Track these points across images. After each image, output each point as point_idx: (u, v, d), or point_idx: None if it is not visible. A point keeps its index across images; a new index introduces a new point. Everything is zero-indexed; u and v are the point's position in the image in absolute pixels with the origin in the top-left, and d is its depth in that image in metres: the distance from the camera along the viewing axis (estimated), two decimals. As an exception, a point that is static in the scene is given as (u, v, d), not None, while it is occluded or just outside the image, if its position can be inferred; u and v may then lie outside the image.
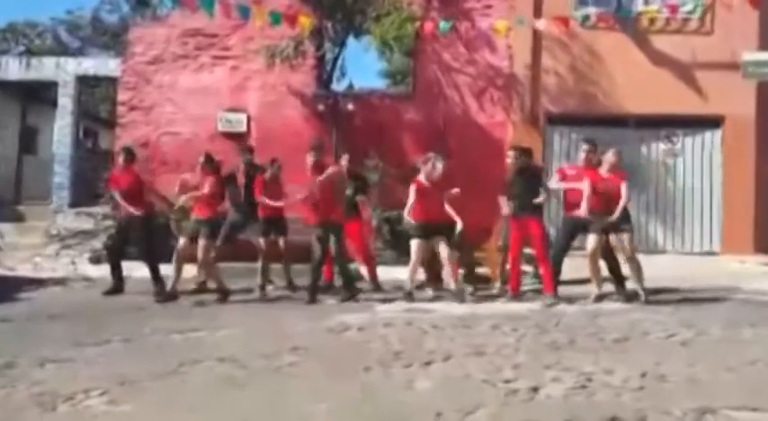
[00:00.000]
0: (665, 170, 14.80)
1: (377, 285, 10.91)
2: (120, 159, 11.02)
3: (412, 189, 10.10)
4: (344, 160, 11.33)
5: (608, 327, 7.93)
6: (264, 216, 10.83)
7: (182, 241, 10.36)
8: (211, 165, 10.48)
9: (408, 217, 10.08)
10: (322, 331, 7.92)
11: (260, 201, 10.68)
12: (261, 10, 13.11)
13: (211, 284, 10.51)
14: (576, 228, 10.21)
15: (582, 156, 10.44)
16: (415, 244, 10.02)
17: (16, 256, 13.69)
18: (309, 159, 10.44)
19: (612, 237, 9.76)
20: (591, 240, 9.75)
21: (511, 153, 10.34)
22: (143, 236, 10.66)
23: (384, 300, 9.95)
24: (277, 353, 6.71)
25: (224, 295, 10.10)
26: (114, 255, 10.93)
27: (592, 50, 14.61)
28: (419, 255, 10.04)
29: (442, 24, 13.85)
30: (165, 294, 10.13)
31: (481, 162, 13.14)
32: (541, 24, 13.89)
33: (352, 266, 11.17)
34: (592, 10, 14.47)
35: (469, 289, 10.58)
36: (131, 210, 10.49)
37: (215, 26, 15.16)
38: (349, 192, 10.90)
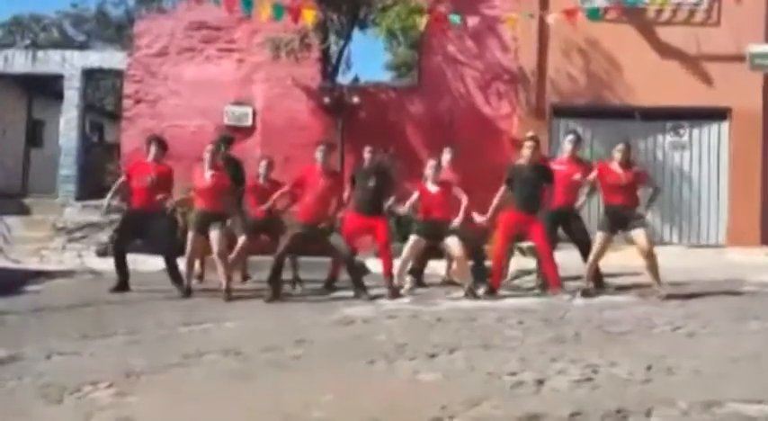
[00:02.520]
0: (672, 162, 14.77)
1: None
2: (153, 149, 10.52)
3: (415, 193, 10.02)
4: (367, 152, 10.89)
5: (613, 320, 7.93)
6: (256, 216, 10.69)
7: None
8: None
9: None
10: (327, 324, 7.92)
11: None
12: (265, 3, 13.09)
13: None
14: (558, 221, 10.15)
15: (568, 147, 10.37)
16: (411, 239, 9.96)
17: (23, 249, 13.72)
18: (318, 157, 9.96)
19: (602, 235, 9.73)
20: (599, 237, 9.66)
21: (530, 143, 9.90)
22: (166, 228, 10.60)
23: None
24: (281, 345, 6.71)
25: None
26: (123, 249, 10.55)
27: (598, 43, 14.58)
28: (412, 252, 9.97)
29: (453, 17, 13.79)
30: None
31: (487, 155, 13.14)
32: (550, 18, 13.84)
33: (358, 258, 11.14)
34: (599, 1, 14.39)
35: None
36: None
37: (220, 19, 15.17)
38: (372, 184, 10.33)
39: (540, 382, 5.38)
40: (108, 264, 12.31)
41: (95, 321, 8.09)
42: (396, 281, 9.91)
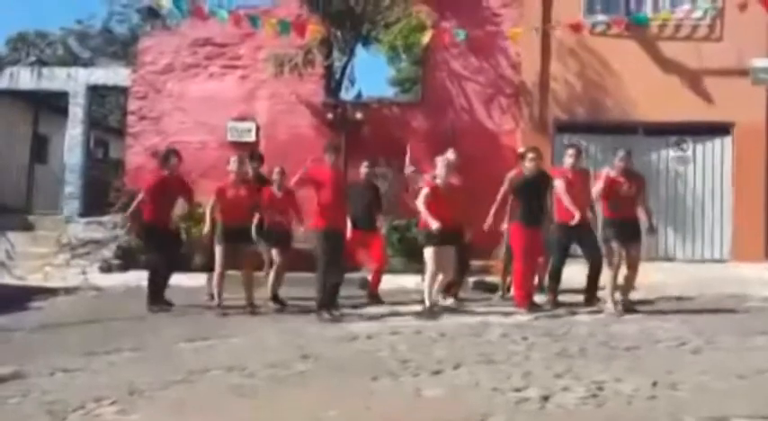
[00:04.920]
0: (676, 177, 14.76)
1: (376, 297, 10.61)
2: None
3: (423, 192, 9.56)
4: (364, 167, 10.89)
5: (618, 336, 7.89)
6: (272, 227, 10.50)
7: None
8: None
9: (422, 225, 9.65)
10: (330, 340, 7.90)
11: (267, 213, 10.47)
12: (270, 20, 13.17)
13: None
14: (571, 236, 10.02)
15: (570, 161, 10.15)
16: (430, 251, 9.46)
17: (26, 266, 13.74)
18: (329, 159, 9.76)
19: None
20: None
21: (530, 155, 9.80)
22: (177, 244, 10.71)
23: (392, 310, 9.94)
24: (285, 361, 6.70)
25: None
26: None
27: (601, 58, 14.60)
28: (436, 265, 9.43)
29: (458, 32, 13.86)
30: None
31: (490, 170, 13.09)
32: (556, 31, 13.97)
33: (361, 275, 11.15)
34: (601, 17, 14.42)
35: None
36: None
37: (224, 36, 15.26)
38: (365, 200, 10.45)
39: (546, 399, 5.35)
40: (111, 281, 12.38)
41: (99, 338, 8.08)
42: (428, 300, 9.41)
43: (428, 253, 9.46)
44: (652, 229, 9.96)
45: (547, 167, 10.87)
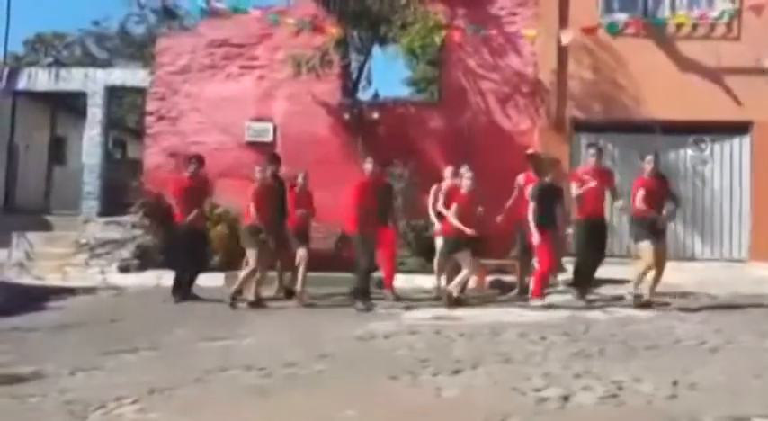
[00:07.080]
0: (694, 176, 14.68)
1: (395, 295, 10.78)
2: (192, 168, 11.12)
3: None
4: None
5: (638, 335, 7.88)
6: (294, 227, 10.91)
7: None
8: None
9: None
10: (349, 339, 7.91)
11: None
12: (287, 20, 13.24)
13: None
14: (594, 232, 10.27)
15: (592, 160, 10.70)
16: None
17: (45, 266, 13.81)
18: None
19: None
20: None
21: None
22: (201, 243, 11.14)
23: (410, 308, 9.95)
24: (303, 361, 6.71)
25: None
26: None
27: (618, 56, 14.51)
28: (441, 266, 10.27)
29: (476, 28, 13.91)
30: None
31: (507, 170, 13.08)
32: (567, 37, 13.96)
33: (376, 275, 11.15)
34: (618, 17, 14.37)
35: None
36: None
37: (242, 36, 15.28)
38: (377, 197, 10.42)
39: (566, 398, 5.34)
40: (130, 280, 12.44)
41: (118, 337, 8.11)
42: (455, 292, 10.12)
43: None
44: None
45: (562, 165, 11.12)
